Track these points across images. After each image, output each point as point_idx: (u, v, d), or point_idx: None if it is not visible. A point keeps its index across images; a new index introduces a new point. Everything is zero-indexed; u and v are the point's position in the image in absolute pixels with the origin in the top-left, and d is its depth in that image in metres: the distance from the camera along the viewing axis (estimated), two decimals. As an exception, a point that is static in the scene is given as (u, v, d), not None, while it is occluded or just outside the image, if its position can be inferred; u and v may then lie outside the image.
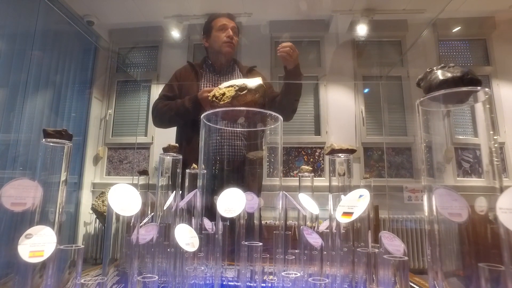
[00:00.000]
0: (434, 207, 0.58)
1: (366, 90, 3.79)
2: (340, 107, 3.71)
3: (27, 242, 0.55)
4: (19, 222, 0.64)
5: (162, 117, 1.58)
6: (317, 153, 3.66)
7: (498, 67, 3.61)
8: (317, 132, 3.70)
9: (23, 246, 0.55)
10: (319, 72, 3.84)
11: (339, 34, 3.82)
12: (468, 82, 0.50)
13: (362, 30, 3.65)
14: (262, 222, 1.13)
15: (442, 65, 0.56)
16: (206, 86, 1.59)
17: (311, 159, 3.65)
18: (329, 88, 3.78)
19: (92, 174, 3.77)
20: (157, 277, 0.71)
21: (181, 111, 1.49)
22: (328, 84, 3.78)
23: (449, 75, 0.52)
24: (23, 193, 0.62)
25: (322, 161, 3.63)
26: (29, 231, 0.57)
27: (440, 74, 0.54)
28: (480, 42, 3.75)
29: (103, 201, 3.19)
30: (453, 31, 3.73)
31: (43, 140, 0.66)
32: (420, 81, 0.60)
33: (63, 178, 0.72)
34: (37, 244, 0.56)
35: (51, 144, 0.67)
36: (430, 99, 0.56)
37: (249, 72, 1.69)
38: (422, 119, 0.60)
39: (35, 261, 0.56)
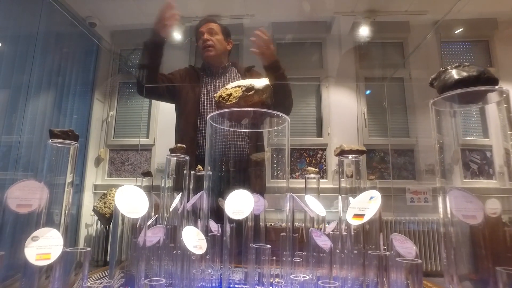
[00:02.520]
0: (448, 209, 0.56)
1: (367, 92, 3.78)
2: (342, 109, 3.70)
3: (34, 245, 0.54)
4: (25, 224, 0.63)
5: (141, 67, 1.65)
6: (319, 155, 3.64)
7: (501, 68, 3.60)
8: (319, 133, 3.69)
9: (30, 249, 0.54)
10: (321, 73, 3.84)
11: (341, 35, 3.81)
12: (485, 81, 0.49)
13: (364, 31, 3.64)
14: (267, 224, 1.12)
15: (457, 64, 0.55)
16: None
17: (313, 161, 3.64)
18: (331, 90, 3.77)
19: (93, 176, 3.75)
20: (164, 280, 0.70)
21: (145, 48, 1.58)
22: (330, 86, 3.78)
23: (464, 74, 0.51)
24: (29, 194, 0.61)
25: (324, 163, 3.61)
26: (35, 233, 0.56)
27: (455, 73, 0.53)
28: (483, 44, 3.74)
29: (104, 203, 3.18)
30: (455, 32, 3.73)
31: (50, 140, 0.65)
32: (434, 80, 0.59)
33: (69, 179, 0.71)
34: (44, 247, 0.55)
35: (57, 145, 0.66)
36: (444, 99, 0.55)
37: (248, 71, 1.69)
38: (436, 120, 0.59)
39: (42, 264, 0.55)
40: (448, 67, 0.56)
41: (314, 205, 0.98)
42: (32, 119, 2.83)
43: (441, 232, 0.55)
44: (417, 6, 3.46)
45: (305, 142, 3.65)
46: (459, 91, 0.49)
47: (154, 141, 3.77)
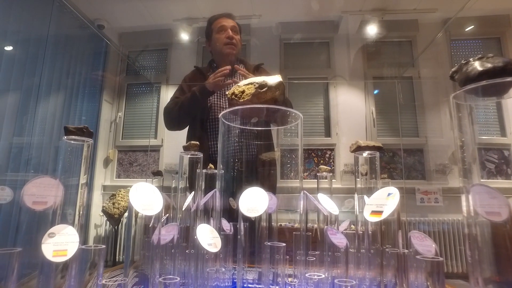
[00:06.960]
0: (471, 207, 0.55)
1: (376, 91, 3.74)
2: (350, 108, 3.67)
3: (51, 241, 0.54)
4: (41, 222, 0.63)
5: (171, 113, 1.58)
6: (327, 155, 3.62)
7: (513, 66, 3.53)
8: (327, 133, 3.66)
9: (46, 245, 0.54)
10: (329, 73, 3.81)
11: (349, 35, 3.78)
12: (511, 72, 0.47)
13: (372, 30, 3.61)
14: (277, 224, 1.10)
15: (480, 56, 0.53)
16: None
17: (322, 161, 3.61)
18: (339, 89, 3.75)
19: (102, 177, 3.78)
20: (178, 278, 0.69)
21: (190, 99, 1.50)
22: (338, 85, 3.75)
23: (489, 65, 0.49)
24: (44, 191, 0.61)
25: (332, 163, 3.58)
26: (52, 230, 0.56)
27: (478, 65, 0.51)
28: (494, 41, 3.67)
29: (113, 204, 3.19)
30: (466, 30, 3.67)
31: (65, 137, 0.65)
32: (454, 73, 0.57)
33: (83, 178, 0.71)
34: (60, 243, 0.55)
35: (72, 141, 0.66)
36: (466, 92, 0.54)
37: (256, 70, 1.68)
38: (457, 116, 0.57)
39: (59, 260, 0.54)
40: (471, 59, 0.54)
41: (327, 204, 0.97)
42: (42, 120, 2.86)
43: (466, 232, 0.53)
44: (426, 4, 3.41)
45: (313, 142, 3.63)
46: (483, 82, 0.47)
47: (162, 142, 3.79)
